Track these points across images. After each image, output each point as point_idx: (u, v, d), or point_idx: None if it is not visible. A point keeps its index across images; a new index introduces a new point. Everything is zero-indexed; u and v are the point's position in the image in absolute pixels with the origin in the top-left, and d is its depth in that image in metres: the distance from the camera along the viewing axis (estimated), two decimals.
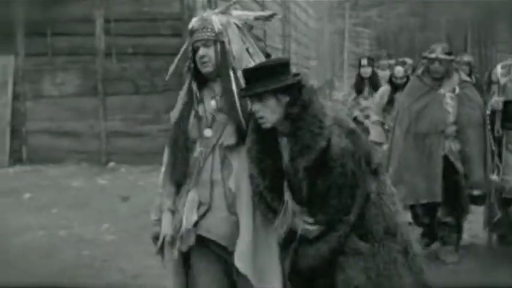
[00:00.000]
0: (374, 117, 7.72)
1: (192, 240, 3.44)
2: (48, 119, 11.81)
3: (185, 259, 3.55)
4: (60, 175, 10.66)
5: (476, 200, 6.14)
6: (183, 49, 3.63)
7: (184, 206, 3.48)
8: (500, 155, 6.03)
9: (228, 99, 3.46)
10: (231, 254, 3.39)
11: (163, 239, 3.52)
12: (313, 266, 3.34)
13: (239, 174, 3.44)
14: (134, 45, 11.63)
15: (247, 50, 3.62)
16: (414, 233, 6.01)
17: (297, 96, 3.28)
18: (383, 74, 8.92)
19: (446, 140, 6.00)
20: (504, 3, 17.74)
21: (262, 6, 14.68)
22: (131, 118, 11.59)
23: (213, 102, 3.52)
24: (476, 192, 6.01)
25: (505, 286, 5.44)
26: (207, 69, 3.49)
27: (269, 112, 3.26)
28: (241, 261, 3.35)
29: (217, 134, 3.48)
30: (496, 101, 6.02)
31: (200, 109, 3.52)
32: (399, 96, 6.91)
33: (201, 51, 3.48)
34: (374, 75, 8.68)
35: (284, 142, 3.35)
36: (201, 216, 3.44)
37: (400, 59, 8.52)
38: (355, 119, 7.95)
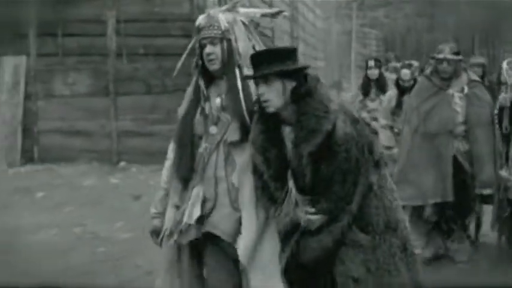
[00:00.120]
0: (382, 121, 7.70)
1: (192, 235, 3.46)
2: (60, 119, 11.89)
3: (194, 257, 3.57)
4: (72, 174, 10.75)
5: (487, 199, 6.14)
6: (189, 46, 3.65)
7: (189, 200, 3.50)
8: (507, 153, 6.00)
9: (233, 96, 3.49)
10: (236, 250, 3.40)
11: (164, 233, 3.57)
12: (317, 257, 3.33)
13: (242, 169, 3.46)
14: (145, 46, 11.71)
15: (253, 47, 3.63)
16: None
17: (303, 82, 3.31)
18: (391, 77, 8.93)
19: (455, 140, 6.02)
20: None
21: (271, 6, 14.74)
22: (142, 118, 11.67)
23: (218, 100, 3.54)
24: (486, 191, 6.01)
25: None
26: (213, 66, 3.52)
27: (274, 96, 3.28)
28: (244, 257, 3.37)
29: (221, 131, 3.51)
30: (504, 97, 5.97)
31: (206, 106, 3.55)
32: (407, 99, 6.91)
33: (208, 48, 3.50)
34: (381, 77, 8.67)
35: (287, 131, 3.36)
36: (208, 213, 3.47)
37: (406, 62, 8.45)
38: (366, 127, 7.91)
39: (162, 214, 3.66)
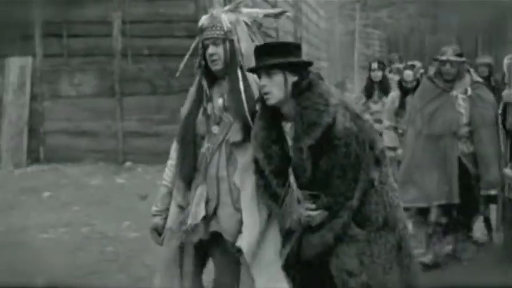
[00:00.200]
0: (386, 122, 7.69)
1: (200, 234, 3.48)
2: (66, 119, 11.93)
3: (198, 258, 3.58)
4: (78, 174, 10.78)
5: (494, 200, 6.16)
6: (192, 46, 3.66)
7: (193, 199, 3.51)
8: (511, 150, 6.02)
9: (235, 97, 3.49)
10: (239, 250, 3.41)
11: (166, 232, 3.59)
12: (318, 254, 3.31)
13: (244, 169, 3.46)
14: (149, 47, 11.76)
15: None
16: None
17: (305, 77, 3.32)
18: (395, 78, 8.89)
19: (459, 142, 6.03)
20: None
21: (274, 7, 14.77)
22: (148, 118, 11.71)
23: (220, 101, 3.55)
24: (493, 192, 6.02)
25: None
26: (216, 67, 3.53)
27: (275, 88, 3.29)
28: (249, 254, 3.37)
29: (223, 131, 3.52)
30: (508, 94, 5.99)
31: (209, 107, 3.56)
32: (410, 99, 6.92)
33: (211, 49, 3.51)
34: (384, 79, 8.65)
35: (288, 128, 3.37)
36: (212, 213, 3.48)
37: (409, 63, 8.42)
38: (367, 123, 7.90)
39: (163, 212, 3.68)
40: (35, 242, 7.00)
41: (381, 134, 7.52)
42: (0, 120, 12.00)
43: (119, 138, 11.83)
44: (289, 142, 3.36)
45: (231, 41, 3.53)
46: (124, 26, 11.82)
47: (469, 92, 6.09)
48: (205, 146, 3.54)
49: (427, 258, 6.05)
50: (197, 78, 3.63)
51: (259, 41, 3.66)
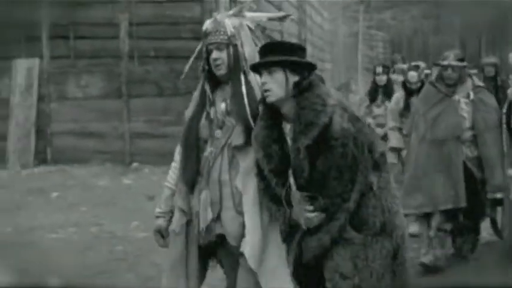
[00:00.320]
0: (391, 123, 7.69)
1: (209, 237, 3.51)
2: (73, 121, 12.00)
3: (203, 259, 3.62)
4: (85, 175, 10.84)
5: (500, 202, 6.17)
6: (197, 50, 3.67)
7: (199, 203, 3.53)
8: None
9: (237, 101, 3.50)
10: (241, 254, 3.43)
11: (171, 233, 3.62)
12: (316, 256, 3.32)
13: (246, 173, 3.47)
14: (156, 48, 11.83)
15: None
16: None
17: (306, 78, 3.35)
18: (398, 79, 8.90)
19: (463, 146, 6.05)
20: None
21: (279, 9, 14.83)
22: (154, 120, 11.78)
23: (223, 105, 3.56)
24: (499, 195, 6.04)
25: None
26: (220, 72, 3.54)
27: (276, 86, 3.30)
28: (253, 260, 3.40)
29: (226, 135, 3.53)
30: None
31: (212, 111, 3.57)
32: (415, 101, 6.94)
33: (214, 54, 3.52)
34: (389, 83, 8.63)
35: (288, 128, 3.39)
36: (216, 216, 3.50)
37: (413, 64, 8.37)
38: (368, 127, 7.88)
39: (166, 214, 3.70)
40: (44, 242, 7.07)
41: (382, 138, 7.54)
42: (7, 122, 12.06)
43: (125, 140, 11.89)
44: (289, 142, 3.38)
45: (235, 46, 3.54)
46: (131, 28, 11.89)
47: (471, 96, 6.11)
48: (208, 150, 3.56)
49: (427, 259, 6.08)
50: (200, 83, 3.65)
51: None
